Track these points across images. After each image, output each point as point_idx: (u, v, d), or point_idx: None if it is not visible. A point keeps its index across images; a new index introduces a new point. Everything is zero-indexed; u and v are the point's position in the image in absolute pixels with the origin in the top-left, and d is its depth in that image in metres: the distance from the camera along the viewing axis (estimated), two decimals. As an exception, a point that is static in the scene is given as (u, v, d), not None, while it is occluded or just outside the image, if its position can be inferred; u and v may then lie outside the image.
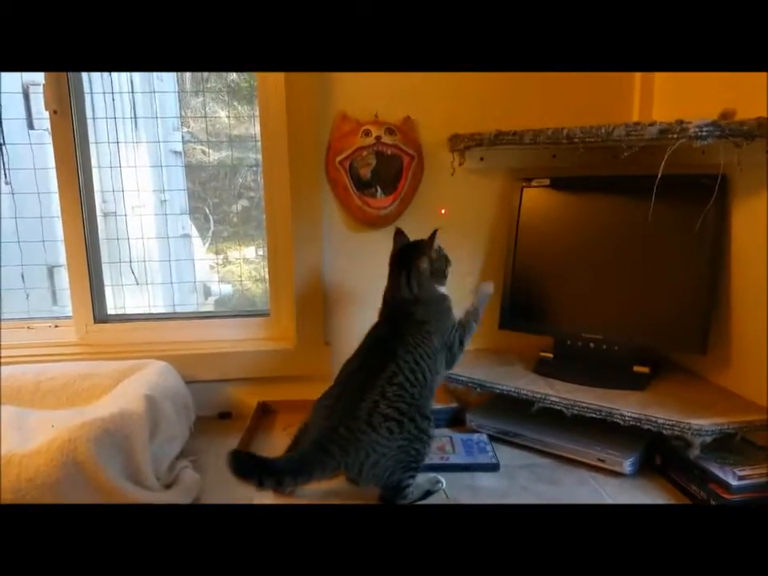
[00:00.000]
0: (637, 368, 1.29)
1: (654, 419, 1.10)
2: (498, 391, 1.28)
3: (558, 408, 1.20)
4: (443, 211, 1.44)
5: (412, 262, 1.17)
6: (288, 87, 1.37)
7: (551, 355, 1.38)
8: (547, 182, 1.40)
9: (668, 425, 1.09)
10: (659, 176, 1.10)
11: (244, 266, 3.02)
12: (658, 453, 1.17)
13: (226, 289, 2.83)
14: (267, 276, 1.57)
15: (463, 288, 1.50)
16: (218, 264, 2.92)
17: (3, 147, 1.40)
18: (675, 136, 1.06)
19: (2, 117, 1.39)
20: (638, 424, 1.12)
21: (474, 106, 1.43)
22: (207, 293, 2.72)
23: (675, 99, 1.40)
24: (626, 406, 1.15)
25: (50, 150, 1.41)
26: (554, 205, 1.41)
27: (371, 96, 1.41)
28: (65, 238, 1.45)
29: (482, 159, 1.44)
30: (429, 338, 1.12)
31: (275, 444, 1.29)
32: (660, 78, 1.45)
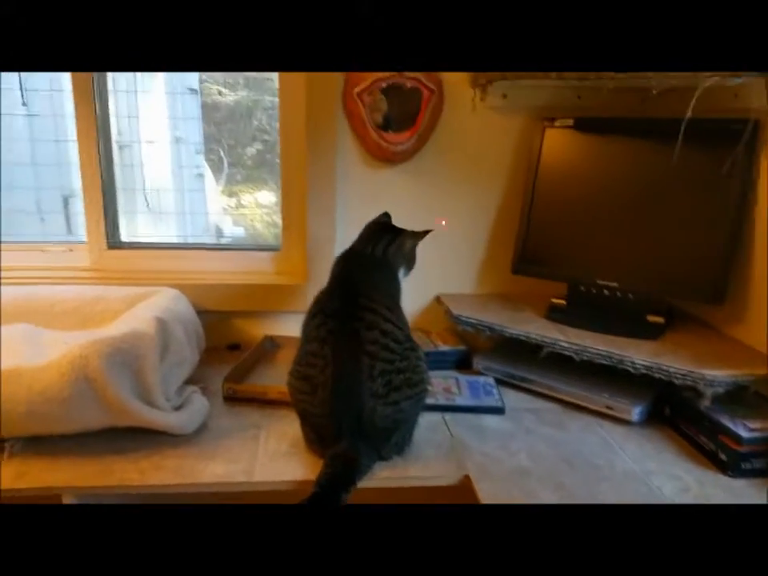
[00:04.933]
0: (651, 317, 1.27)
1: (665, 368, 1.09)
2: (507, 335, 1.28)
3: (568, 354, 1.20)
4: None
5: (398, 236, 1.13)
6: None
7: (564, 302, 1.37)
8: (571, 122, 1.35)
9: (680, 374, 1.08)
10: (687, 117, 1.06)
11: (256, 210, 3.01)
12: (668, 403, 1.17)
13: (238, 231, 2.83)
14: (280, 219, 1.55)
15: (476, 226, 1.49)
16: (231, 207, 2.92)
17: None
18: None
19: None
20: (649, 372, 1.11)
21: (500, 41, 1.38)
22: (219, 234, 2.73)
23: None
24: (638, 354, 1.14)
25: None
26: (577, 146, 1.37)
27: (394, 26, 1.36)
28: (80, 162, 1.44)
29: (504, 96, 1.39)
30: (382, 293, 1.03)
31: (272, 375, 1.31)
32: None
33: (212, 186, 2.82)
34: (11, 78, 1.45)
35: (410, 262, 1.16)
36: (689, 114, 1.06)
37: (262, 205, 2.96)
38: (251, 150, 2.81)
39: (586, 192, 1.35)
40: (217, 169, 2.76)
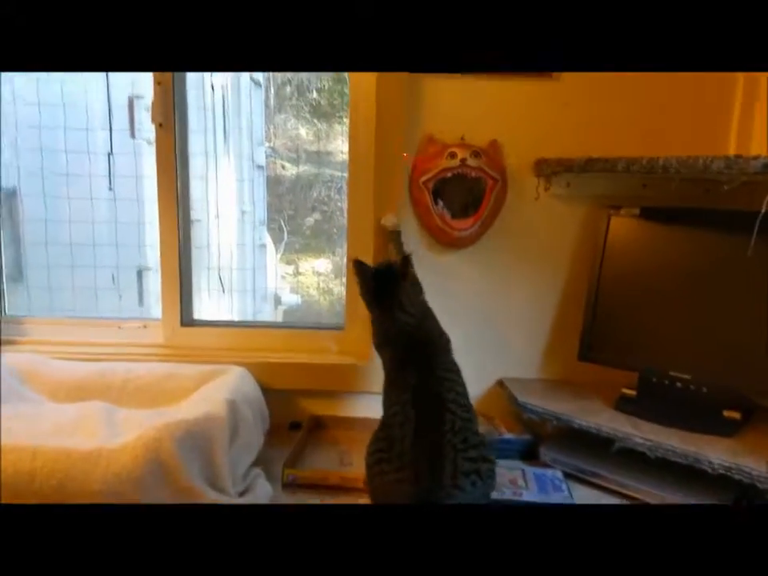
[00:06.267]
0: (727, 413, 1.22)
1: (746, 470, 1.04)
2: (576, 426, 1.24)
3: (641, 450, 1.15)
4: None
5: (399, 285, 1.12)
6: (379, 107, 1.40)
7: (634, 392, 1.33)
8: (637, 211, 1.36)
9: (763, 477, 1.02)
10: (762, 213, 1.06)
11: (313, 278, 3.09)
12: (745, 505, 1.10)
13: (295, 299, 2.90)
14: (337, 289, 1.59)
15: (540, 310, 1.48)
16: (288, 274, 3.01)
17: (111, 156, 1.49)
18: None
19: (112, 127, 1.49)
20: (728, 473, 1.05)
21: (560, 130, 1.41)
22: (278, 302, 2.80)
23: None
24: (714, 452, 1.09)
25: (146, 159, 1.49)
26: (644, 235, 1.37)
27: (458, 119, 1.42)
28: (160, 243, 1.53)
29: (568, 185, 1.41)
30: (446, 353, 1.11)
31: (324, 458, 1.33)
32: (760, 108, 1.38)
33: (272, 255, 2.92)
34: (102, 163, 1.58)
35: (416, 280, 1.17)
36: (765, 208, 1.06)
37: (318, 273, 3.04)
38: (310, 220, 2.92)
39: (655, 280, 1.33)
40: (277, 238, 2.87)
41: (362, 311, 1.51)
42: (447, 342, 1.15)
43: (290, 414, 1.52)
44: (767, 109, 1.35)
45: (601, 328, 1.39)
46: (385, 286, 1.13)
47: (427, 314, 1.16)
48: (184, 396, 1.35)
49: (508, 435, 1.37)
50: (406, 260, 1.14)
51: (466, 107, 1.41)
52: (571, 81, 1.40)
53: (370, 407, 1.37)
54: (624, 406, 1.30)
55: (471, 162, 1.39)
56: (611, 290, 1.38)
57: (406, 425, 1.01)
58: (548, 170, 1.36)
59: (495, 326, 1.48)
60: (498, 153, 1.42)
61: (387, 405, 1.09)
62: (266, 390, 1.44)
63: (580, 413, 1.27)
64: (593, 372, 1.42)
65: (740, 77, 1.39)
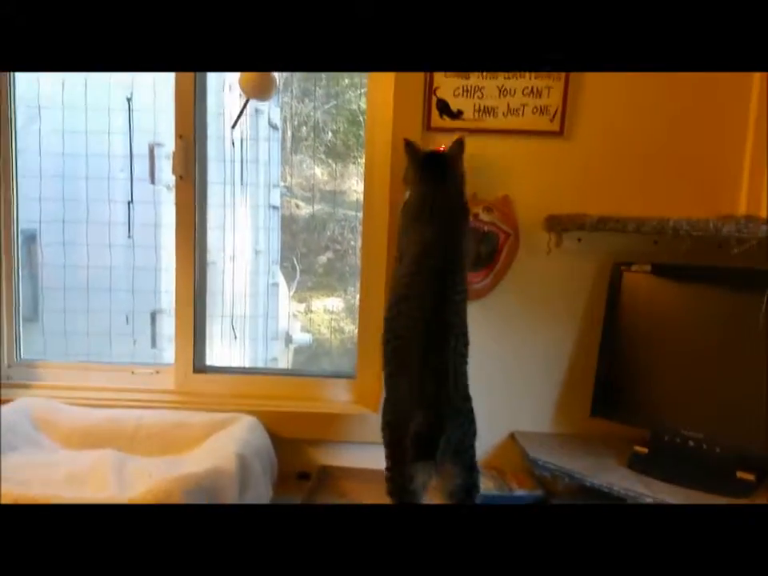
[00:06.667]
0: (741, 474, 1.20)
1: (762, 536, 1.02)
2: (588, 484, 1.23)
3: (653, 510, 1.14)
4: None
5: (449, 167, 1.27)
6: (394, 149, 1.42)
7: (646, 450, 1.31)
8: (648, 267, 1.36)
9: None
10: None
11: (325, 316, 3.10)
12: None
13: (306, 338, 2.91)
14: (348, 327, 1.59)
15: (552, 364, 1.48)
16: (300, 312, 3.02)
17: (131, 204, 1.53)
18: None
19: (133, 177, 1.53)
20: (744, 538, 1.04)
21: (570, 187, 1.44)
22: (289, 340, 2.82)
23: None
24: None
25: (165, 206, 1.52)
26: (656, 291, 1.37)
27: (471, 175, 1.43)
28: (176, 290, 1.55)
29: (579, 240, 1.42)
30: (463, 271, 1.21)
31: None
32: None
33: (284, 294, 2.95)
34: (122, 211, 1.62)
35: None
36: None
37: (330, 311, 3.06)
38: (323, 259, 2.95)
39: (667, 337, 1.33)
40: (290, 276, 2.90)
41: (374, 359, 1.52)
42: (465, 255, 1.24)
43: (300, 463, 1.52)
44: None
45: (613, 384, 1.38)
46: (435, 167, 1.24)
47: (466, 214, 1.27)
48: (194, 444, 1.36)
49: (519, 491, 1.35)
50: (460, 143, 1.24)
51: (478, 163, 1.43)
52: (580, 138, 1.43)
53: (380, 459, 1.37)
54: (636, 464, 1.28)
55: (484, 216, 1.41)
56: (623, 346, 1.38)
57: (414, 342, 1.12)
58: (558, 226, 1.37)
59: (507, 379, 1.48)
60: (509, 208, 1.44)
61: (396, 308, 1.18)
62: (276, 438, 1.44)
63: (592, 471, 1.26)
64: (605, 425, 1.41)
65: (750, 133, 1.41)
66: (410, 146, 1.30)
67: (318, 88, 2.40)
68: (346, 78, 2.50)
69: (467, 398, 1.14)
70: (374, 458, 1.46)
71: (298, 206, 2.86)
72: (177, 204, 1.50)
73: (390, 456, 1.16)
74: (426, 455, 1.04)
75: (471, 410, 1.14)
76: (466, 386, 1.15)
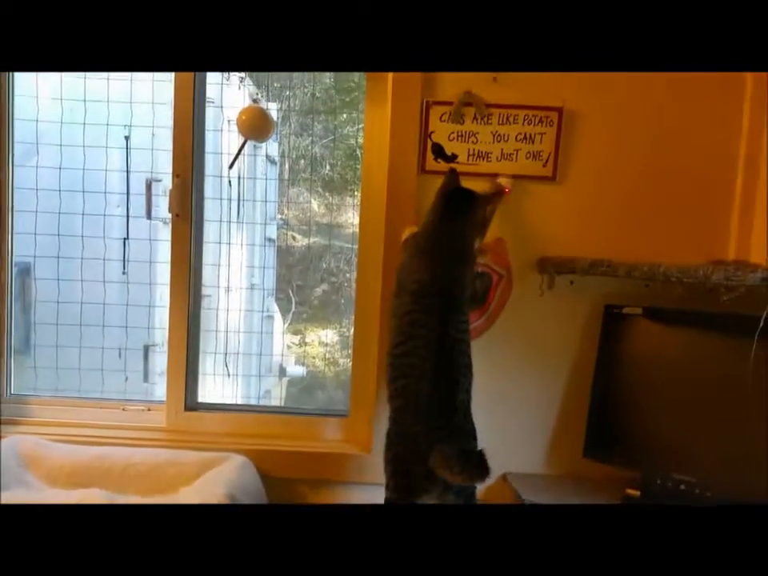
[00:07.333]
0: (734, 520, 1.19)
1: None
2: (580, 529, 1.22)
3: (646, 557, 1.13)
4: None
5: (475, 209, 1.26)
6: (390, 184, 1.44)
7: (638, 493, 1.31)
8: (639, 310, 1.38)
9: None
10: (762, 321, 1.07)
11: (319, 349, 3.09)
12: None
13: (300, 370, 2.90)
14: (342, 360, 1.59)
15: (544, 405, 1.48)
16: (294, 344, 3.02)
17: (126, 241, 1.54)
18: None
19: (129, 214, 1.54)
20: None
21: (564, 230, 1.46)
22: (282, 373, 2.80)
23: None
24: (723, 563, 1.06)
25: (161, 242, 1.53)
26: (647, 334, 1.38)
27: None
28: (170, 327, 1.55)
29: (571, 283, 1.44)
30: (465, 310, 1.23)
31: None
32: (760, 212, 1.42)
33: (279, 325, 2.94)
34: (117, 248, 1.63)
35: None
36: (763, 320, 1.07)
37: (325, 343, 3.05)
38: (318, 291, 2.96)
39: (658, 380, 1.34)
40: (285, 308, 2.90)
41: (367, 398, 1.52)
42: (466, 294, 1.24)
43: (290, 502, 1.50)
44: (766, 209, 1.40)
45: (605, 426, 1.39)
46: (458, 203, 1.25)
47: (473, 258, 1.27)
48: (184, 483, 1.34)
49: (511, 535, 1.34)
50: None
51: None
52: (572, 183, 1.46)
53: (372, 498, 1.35)
54: (629, 508, 1.27)
55: (478, 258, 1.42)
56: (615, 388, 1.39)
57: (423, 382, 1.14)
58: (551, 268, 1.39)
59: (500, 420, 1.48)
60: (503, 250, 1.46)
61: (401, 347, 1.18)
62: (267, 478, 1.43)
63: (585, 516, 1.24)
64: (598, 467, 1.41)
65: (739, 179, 1.44)
66: (449, 174, 1.31)
67: (316, 123, 2.44)
68: (344, 114, 2.54)
69: (475, 437, 1.18)
70: (366, 498, 1.46)
71: (294, 239, 2.88)
72: (172, 242, 1.51)
73: (396, 487, 1.15)
74: (481, 474, 1.07)
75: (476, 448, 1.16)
76: (472, 423, 1.18)
